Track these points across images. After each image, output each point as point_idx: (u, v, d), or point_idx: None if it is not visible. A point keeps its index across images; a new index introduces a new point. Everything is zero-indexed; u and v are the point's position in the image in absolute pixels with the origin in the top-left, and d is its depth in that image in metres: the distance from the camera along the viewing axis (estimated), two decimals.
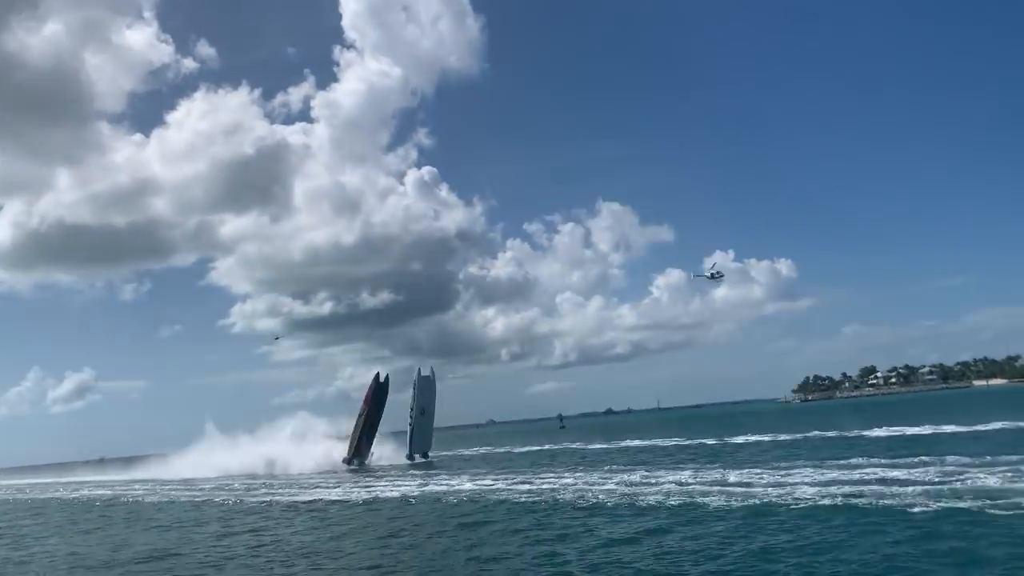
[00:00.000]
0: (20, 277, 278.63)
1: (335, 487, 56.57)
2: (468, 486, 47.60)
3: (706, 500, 31.62)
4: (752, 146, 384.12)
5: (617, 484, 40.64)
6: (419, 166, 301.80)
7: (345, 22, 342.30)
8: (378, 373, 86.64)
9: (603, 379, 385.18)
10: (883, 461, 40.26)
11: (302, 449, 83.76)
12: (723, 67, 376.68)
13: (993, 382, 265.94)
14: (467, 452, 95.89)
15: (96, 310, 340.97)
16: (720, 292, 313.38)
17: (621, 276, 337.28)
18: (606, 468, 51.85)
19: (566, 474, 49.86)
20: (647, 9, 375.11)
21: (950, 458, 38.14)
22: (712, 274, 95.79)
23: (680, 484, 38.04)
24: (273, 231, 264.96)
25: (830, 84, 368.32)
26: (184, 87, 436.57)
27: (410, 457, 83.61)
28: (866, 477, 34.21)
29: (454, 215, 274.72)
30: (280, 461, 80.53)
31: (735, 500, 30.79)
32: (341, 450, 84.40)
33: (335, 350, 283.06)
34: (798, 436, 68.94)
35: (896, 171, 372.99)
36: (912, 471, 34.58)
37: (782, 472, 39.08)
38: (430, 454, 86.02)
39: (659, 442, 78.36)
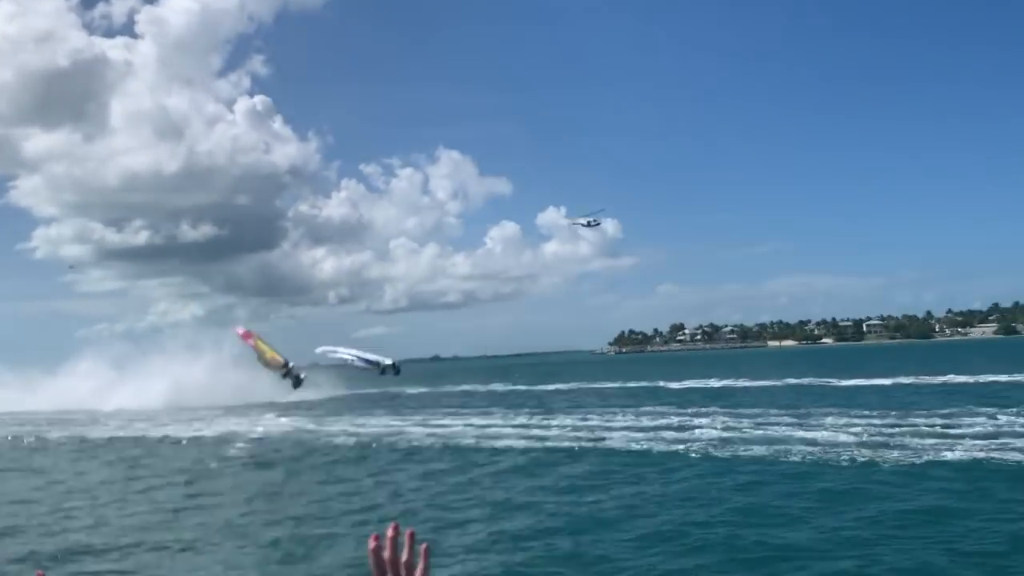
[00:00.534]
0: None
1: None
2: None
3: (508, 443, 33.89)
4: (590, 106, 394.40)
5: (434, 428, 42.28)
6: (252, 95, 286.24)
7: None
8: None
9: (432, 326, 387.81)
10: (684, 411, 43.97)
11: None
12: (569, 19, 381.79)
13: (785, 343, 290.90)
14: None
15: None
16: (550, 247, 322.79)
17: (457, 225, 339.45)
18: (431, 411, 53.41)
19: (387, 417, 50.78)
20: None
21: (743, 409, 42.39)
22: (589, 222, 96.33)
23: (479, 427, 40.60)
24: (86, 151, 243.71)
25: (665, 42, 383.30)
26: None
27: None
28: (668, 423, 37.45)
29: (287, 149, 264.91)
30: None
31: (534, 443, 33.33)
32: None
33: (150, 283, 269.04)
34: (611, 385, 73.60)
35: (719, 144, 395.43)
36: (705, 419, 38.26)
37: (605, 417, 42.20)
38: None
39: (479, 387, 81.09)
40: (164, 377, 76.15)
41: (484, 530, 18.98)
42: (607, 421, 40.50)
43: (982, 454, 25.02)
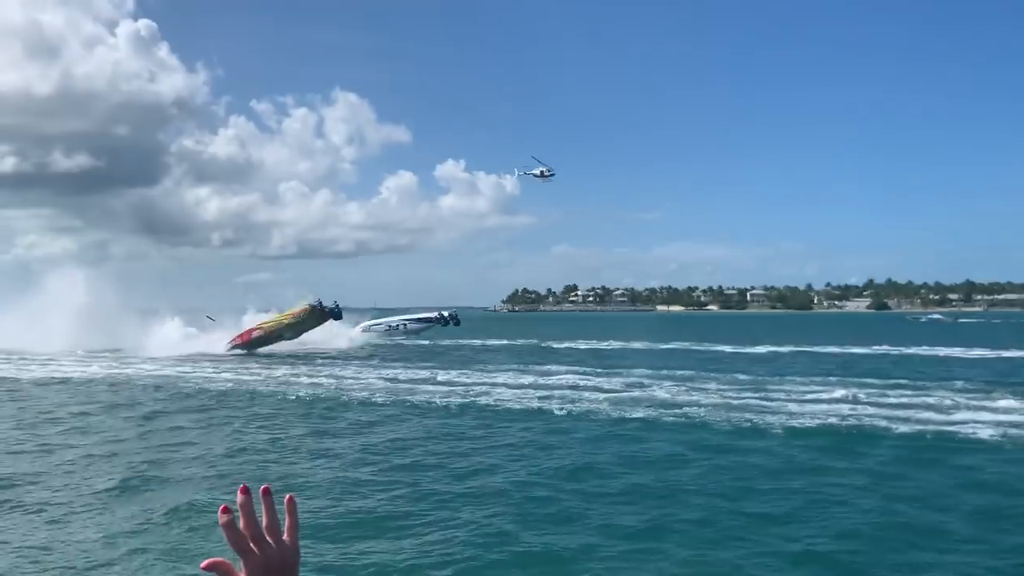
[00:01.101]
0: None
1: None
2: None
3: (413, 398, 32.89)
4: (495, 63, 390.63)
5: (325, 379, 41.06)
6: (135, 18, 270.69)
7: None
8: None
9: (321, 274, 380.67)
10: (579, 369, 43.80)
11: None
12: None
13: (673, 308, 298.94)
14: None
15: None
16: (447, 201, 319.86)
17: (352, 172, 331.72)
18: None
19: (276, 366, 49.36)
20: None
21: (637, 371, 42.56)
22: (543, 172, 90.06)
23: (391, 381, 39.42)
24: None
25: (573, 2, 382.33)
26: None
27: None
28: (560, 383, 37.08)
29: (173, 80, 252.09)
30: None
31: (439, 398, 32.28)
32: None
33: (15, 213, 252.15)
34: (505, 342, 73.07)
35: (618, 109, 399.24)
36: (601, 380, 38.03)
37: (488, 374, 41.59)
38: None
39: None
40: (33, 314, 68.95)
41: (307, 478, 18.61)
42: (487, 377, 40.28)
43: (834, 420, 25.69)
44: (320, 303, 63.01)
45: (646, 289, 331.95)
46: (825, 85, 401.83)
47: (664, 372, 41.94)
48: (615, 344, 70.60)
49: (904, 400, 30.30)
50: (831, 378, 37.92)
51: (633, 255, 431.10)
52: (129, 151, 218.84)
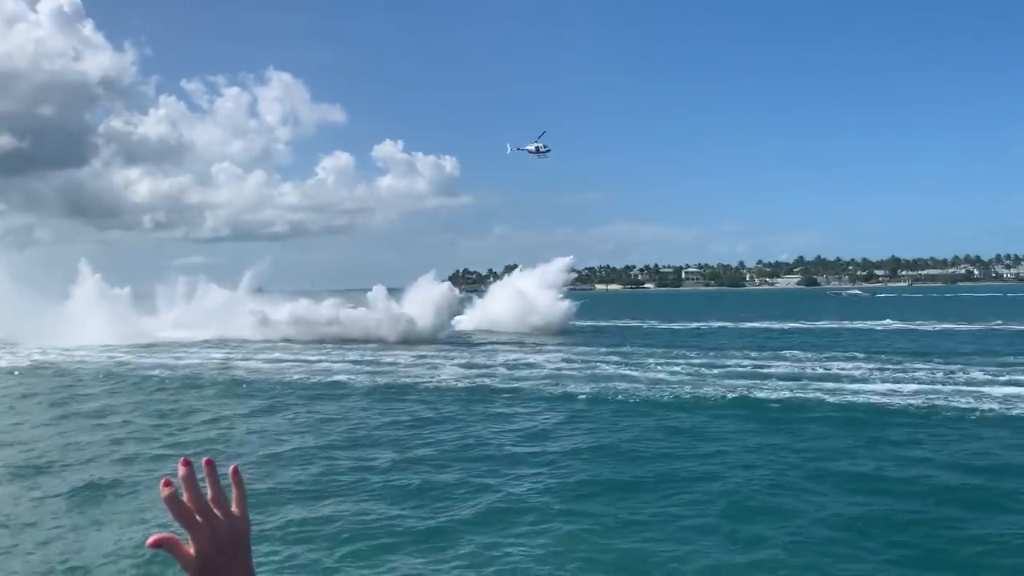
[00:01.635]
0: None
1: None
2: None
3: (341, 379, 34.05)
4: (433, 43, 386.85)
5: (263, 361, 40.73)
6: None
7: None
8: None
9: (257, 257, 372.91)
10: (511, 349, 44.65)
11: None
12: None
13: (612, 287, 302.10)
14: None
15: None
16: (385, 181, 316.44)
17: (286, 152, 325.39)
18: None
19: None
20: None
21: (580, 348, 43.79)
22: (538, 148, 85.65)
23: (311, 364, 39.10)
24: None
25: None
26: None
27: None
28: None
29: (99, 59, 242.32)
30: None
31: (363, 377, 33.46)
32: None
33: None
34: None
35: (555, 91, 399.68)
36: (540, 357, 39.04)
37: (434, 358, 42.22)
38: None
39: None
40: None
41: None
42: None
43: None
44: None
45: (586, 268, 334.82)
46: (752, 72, 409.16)
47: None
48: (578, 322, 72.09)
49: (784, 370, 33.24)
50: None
51: (571, 235, 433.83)
52: (54, 132, 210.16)
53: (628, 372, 33.38)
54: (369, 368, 36.98)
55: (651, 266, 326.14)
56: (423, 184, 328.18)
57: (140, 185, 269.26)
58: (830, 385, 28.30)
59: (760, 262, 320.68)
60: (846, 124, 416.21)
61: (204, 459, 1.66)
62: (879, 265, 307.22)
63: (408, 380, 32.36)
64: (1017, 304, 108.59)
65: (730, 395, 26.37)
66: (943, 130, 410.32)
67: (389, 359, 40.81)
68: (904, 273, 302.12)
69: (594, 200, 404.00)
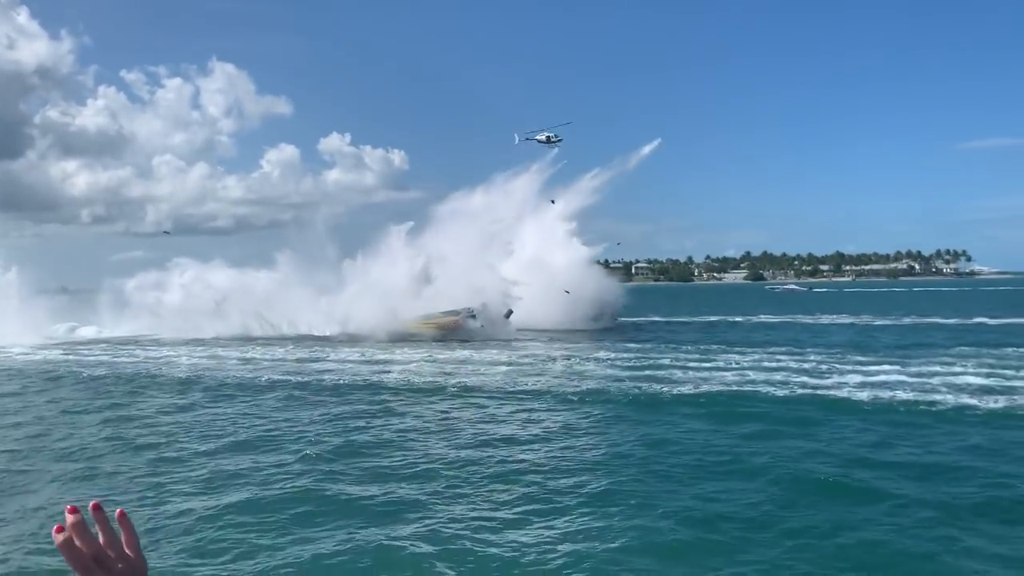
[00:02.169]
0: None
1: None
2: None
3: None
4: (380, 34, 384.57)
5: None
6: None
7: None
8: None
9: (199, 251, 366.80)
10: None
11: None
12: None
13: None
14: None
15: None
16: (332, 175, 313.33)
17: (230, 145, 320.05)
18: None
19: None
20: None
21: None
22: (549, 137, 76.62)
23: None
24: None
25: None
26: None
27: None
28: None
29: (34, 47, 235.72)
30: None
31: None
32: None
33: None
34: None
35: (502, 81, 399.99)
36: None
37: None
38: None
39: None
40: None
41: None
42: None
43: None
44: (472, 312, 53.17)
45: None
46: (694, 68, 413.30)
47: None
48: None
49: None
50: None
51: None
52: None
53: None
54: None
55: (601, 261, 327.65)
56: (371, 178, 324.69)
57: (78, 178, 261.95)
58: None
59: (708, 257, 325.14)
60: (791, 122, 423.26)
61: (92, 503, 1.64)
62: (824, 260, 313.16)
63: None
64: (922, 298, 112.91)
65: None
66: (887, 129, 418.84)
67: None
68: (848, 268, 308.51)
69: None
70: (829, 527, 12.90)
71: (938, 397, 23.74)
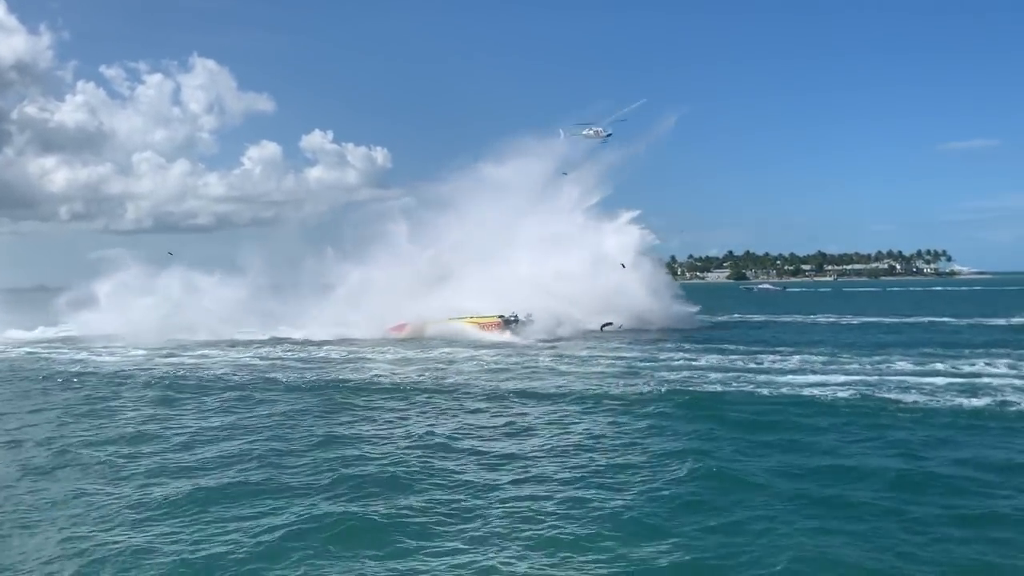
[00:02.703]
0: None
1: None
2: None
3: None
4: (364, 31, 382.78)
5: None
6: None
7: None
8: None
9: (180, 249, 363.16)
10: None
11: None
12: None
13: None
14: None
15: None
16: (315, 173, 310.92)
17: (212, 142, 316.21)
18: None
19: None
20: None
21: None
22: (596, 132, 70.45)
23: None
24: None
25: None
26: None
27: None
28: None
29: (13, 42, 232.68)
30: None
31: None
32: None
33: None
34: None
35: (486, 81, 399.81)
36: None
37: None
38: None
39: None
40: None
41: None
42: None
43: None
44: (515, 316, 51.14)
45: None
46: (678, 67, 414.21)
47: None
48: None
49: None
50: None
51: None
52: None
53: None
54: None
55: None
56: (354, 175, 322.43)
57: (57, 174, 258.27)
58: None
59: (691, 256, 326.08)
60: (774, 123, 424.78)
61: None
62: (806, 260, 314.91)
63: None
64: (896, 297, 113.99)
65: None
66: (868, 130, 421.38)
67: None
68: (830, 268, 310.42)
69: None
70: None
71: None
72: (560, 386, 28.19)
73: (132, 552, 12.44)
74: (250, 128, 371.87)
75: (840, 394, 24.70)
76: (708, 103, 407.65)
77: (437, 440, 19.82)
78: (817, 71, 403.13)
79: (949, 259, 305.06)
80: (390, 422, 22.61)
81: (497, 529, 13.18)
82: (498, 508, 14.25)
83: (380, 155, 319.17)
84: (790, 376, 28.76)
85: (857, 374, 28.93)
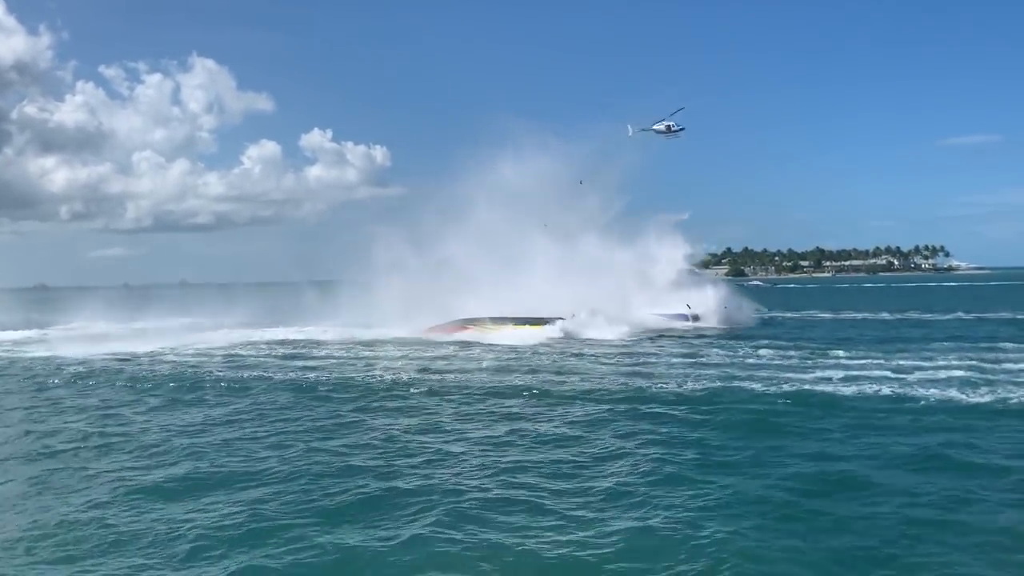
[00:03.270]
0: None
1: None
2: None
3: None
4: (361, 25, 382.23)
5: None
6: None
7: None
8: None
9: (179, 248, 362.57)
10: None
11: None
12: None
13: None
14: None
15: None
16: (314, 171, 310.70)
17: (211, 141, 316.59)
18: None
19: None
20: None
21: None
22: (668, 127, 67.76)
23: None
24: None
25: None
26: None
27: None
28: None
29: (12, 42, 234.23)
30: None
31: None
32: None
33: None
34: None
35: (485, 80, 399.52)
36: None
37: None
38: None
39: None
40: None
41: None
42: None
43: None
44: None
45: None
46: (680, 63, 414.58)
47: None
48: None
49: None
50: None
51: None
52: None
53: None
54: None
55: None
56: (353, 174, 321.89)
57: (57, 174, 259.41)
58: None
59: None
60: (773, 119, 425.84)
61: None
62: (804, 256, 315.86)
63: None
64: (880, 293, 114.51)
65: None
66: (868, 126, 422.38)
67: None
68: (828, 264, 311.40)
69: None
70: None
71: None
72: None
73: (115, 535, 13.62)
74: (249, 127, 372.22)
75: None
76: (706, 99, 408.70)
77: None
78: (817, 67, 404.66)
79: (947, 254, 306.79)
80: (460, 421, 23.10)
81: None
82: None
83: (379, 153, 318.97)
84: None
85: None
